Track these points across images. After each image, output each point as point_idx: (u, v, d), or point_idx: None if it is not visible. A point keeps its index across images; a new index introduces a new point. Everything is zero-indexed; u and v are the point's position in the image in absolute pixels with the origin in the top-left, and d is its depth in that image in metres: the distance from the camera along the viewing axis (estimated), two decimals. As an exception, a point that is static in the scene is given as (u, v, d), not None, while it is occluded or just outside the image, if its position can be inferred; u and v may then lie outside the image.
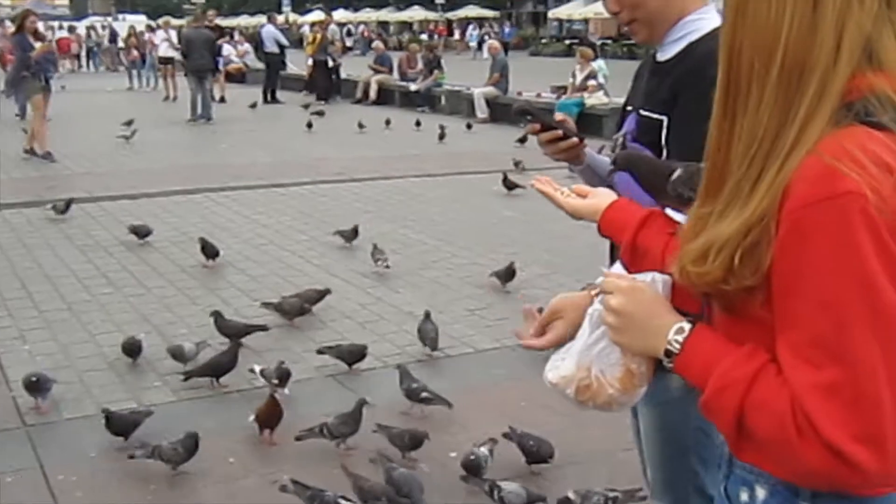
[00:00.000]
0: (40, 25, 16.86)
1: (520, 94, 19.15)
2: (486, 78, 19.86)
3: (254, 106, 21.52)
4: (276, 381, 5.05)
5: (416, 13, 61.87)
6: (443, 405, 4.90)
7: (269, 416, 4.59)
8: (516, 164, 12.24)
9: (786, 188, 1.25)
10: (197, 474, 4.27)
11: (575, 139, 2.44)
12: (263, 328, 6.00)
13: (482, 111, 19.06)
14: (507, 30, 51.52)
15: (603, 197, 1.90)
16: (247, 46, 29.75)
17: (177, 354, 5.50)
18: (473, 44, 47.70)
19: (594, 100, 16.33)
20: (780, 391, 1.27)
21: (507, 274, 7.11)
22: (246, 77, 27.37)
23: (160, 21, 29.68)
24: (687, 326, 1.44)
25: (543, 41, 50.73)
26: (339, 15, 51.88)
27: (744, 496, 1.45)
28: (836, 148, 1.23)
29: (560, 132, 2.42)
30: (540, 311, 2.02)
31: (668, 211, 1.84)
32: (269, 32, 23.82)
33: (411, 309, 6.59)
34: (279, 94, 23.18)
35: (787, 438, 1.26)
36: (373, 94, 23.09)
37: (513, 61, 21.93)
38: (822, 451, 1.23)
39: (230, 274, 7.78)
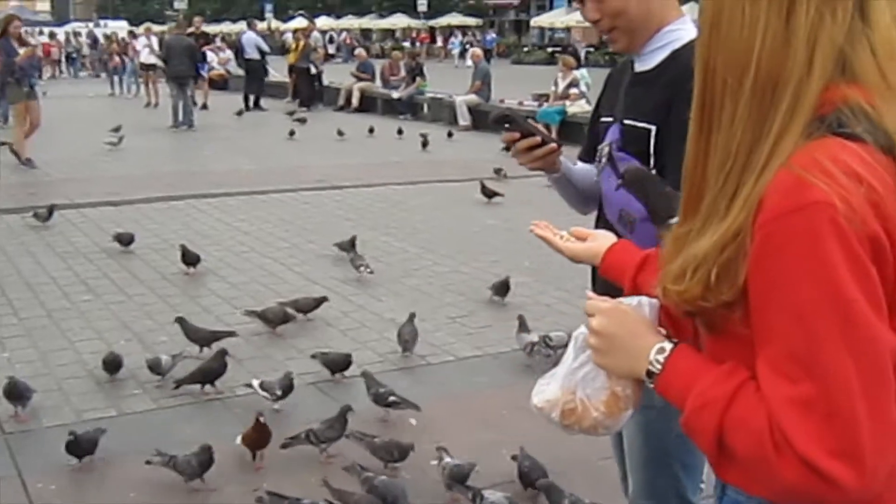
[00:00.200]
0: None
1: (502, 101, 19.21)
2: (469, 86, 19.90)
3: (240, 113, 21.50)
4: (279, 394, 5.00)
5: (398, 20, 61.90)
6: (411, 409, 4.90)
7: (258, 439, 4.47)
8: (497, 171, 12.30)
9: (759, 202, 1.24)
10: (177, 483, 4.25)
11: (553, 144, 2.44)
12: (232, 334, 5.96)
13: (464, 119, 19.09)
14: (488, 38, 51.54)
15: (601, 240, 1.90)
16: (228, 53, 29.67)
17: (153, 366, 5.43)
18: (456, 51, 47.76)
19: (576, 108, 16.36)
20: (758, 408, 1.26)
21: (503, 288, 7.04)
22: (228, 84, 27.31)
23: (142, 27, 29.60)
24: (668, 346, 1.44)
25: (526, 49, 50.84)
26: (322, 22, 51.79)
27: None
28: (806, 159, 1.23)
29: (539, 138, 2.41)
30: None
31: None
32: (250, 39, 23.76)
33: (393, 316, 6.59)
34: (262, 102, 23.14)
35: (764, 455, 1.25)
36: (355, 101, 23.09)
37: (495, 69, 22.00)
38: (799, 468, 1.21)
39: (211, 281, 7.76)
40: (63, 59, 40.29)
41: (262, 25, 34.53)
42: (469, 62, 25.04)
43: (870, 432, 1.21)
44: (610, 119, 2.54)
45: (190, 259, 7.91)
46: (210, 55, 26.61)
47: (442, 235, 9.48)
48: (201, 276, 7.87)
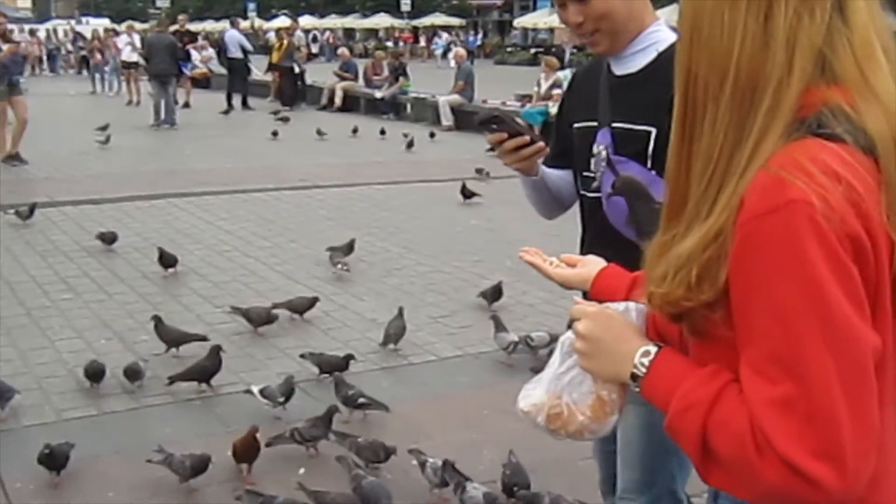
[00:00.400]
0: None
1: (485, 102, 19.21)
2: (452, 86, 19.90)
3: (227, 112, 21.45)
4: (281, 401, 4.95)
5: (381, 20, 61.80)
6: (380, 409, 4.90)
7: (247, 451, 4.34)
8: (479, 171, 12.33)
9: (740, 202, 1.24)
10: (157, 482, 4.23)
11: (541, 144, 2.43)
12: (203, 338, 5.91)
13: (447, 119, 19.08)
14: (470, 38, 51.54)
15: (591, 265, 1.90)
16: (211, 51, 29.54)
17: (131, 374, 5.34)
18: (439, 51, 47.74)
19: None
20: (739, 410, 1.26)
21: (494, 293, 6.96)
22: (211, 82, 27.21)
23: (123, 25, 29.44)
24: (653, 350, 1.44)
25: (509, 50, 50.89)
26: (305, 21, 51.73)
27: None
28: (785, 159, 1.23)
29: (527, 138, 2.40)
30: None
31: None
32: (233, 37, 23.62)
33: (374, 316, 6.59)
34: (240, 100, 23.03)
35: (747, 458, 1.24)
36: (338, 100, 23.05)
37: (478, 69, 21.99)
38: (780, 469, 1.20)
39: (192, 280, 7.73)
40: (44, 56, 40.05)
41: (244, 24, 34.42)
42: (452, 62, 25.04)
43: (851, 433, 1.20)
44: (593, 124, 2.51)
45: (167, 261, 7.83)
46: (193, 53, 26.51)
47: (424, 235, 9.48)
48: (182, 275, 7.83)
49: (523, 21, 53.20)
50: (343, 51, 27.27)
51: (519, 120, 2.52)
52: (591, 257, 1.95)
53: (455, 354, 6.04)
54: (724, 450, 1.28)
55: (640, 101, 2.37)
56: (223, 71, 25.02)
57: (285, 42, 23.96)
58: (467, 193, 11.02)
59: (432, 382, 5.64)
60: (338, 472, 4.17)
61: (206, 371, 5.31)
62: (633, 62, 2.42)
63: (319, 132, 17.11)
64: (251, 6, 57.06)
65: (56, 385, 5.42)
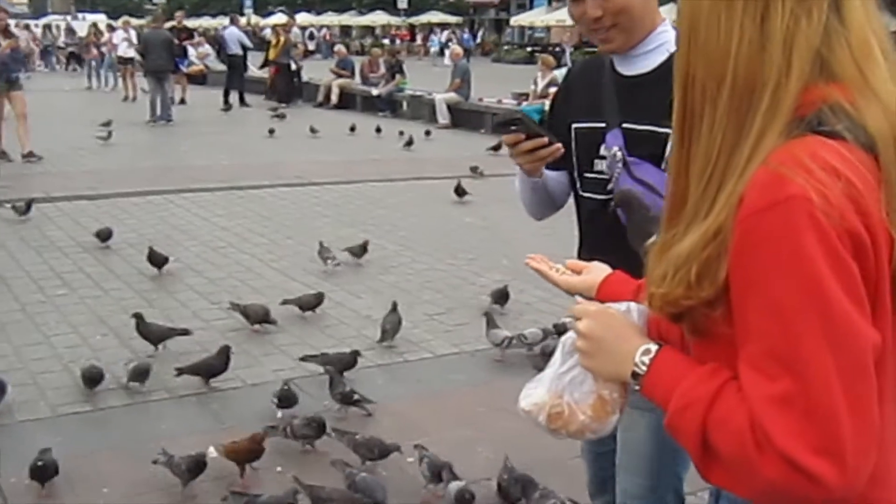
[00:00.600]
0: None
1: (481, 100, 19.22)
2: (448, 83, 19.90)
3: (228, 109, 21.43)
4: (276, 402, 4.93)
5: (378, 17, 61.76)
6: (368, 404, 4.95)
7: (249, 453, 4.27)
8: (473, 169, 12.35)
9: (739, 200, 1.24)
10: (152, 478, 4.23)
11: (558, 144, 2.38)
12: (186, 332, 5.92)
13: (443, 117, 19.08)
14: (465, 36, 51.44)
15: (597, 272, 1.89)
16: (207, 48, 29.50)
17: (139, 373, 5.29)
18: (435, 49, 47.69)
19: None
20: (739, 407, 1.25)
21: (502, 296, 6.85)
22: (207, 78, 27.17)
23: (120, 21, 29.38)
24: (654, 348, 1.44)
25: (506, 48, 50.87)
26: (302, 18, 51.64)
27: None
28: (785, 156, 1.23)
29: (546, 139, 2.35)
30: None
31: None
32: (233, 34, 23.57)
33: (370, 313, 6.59)
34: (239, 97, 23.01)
35: (747, 455, 1.24)
36: (334, 97, 23.01)
37: (475, 67, 21.98)
38: (780, 465, 1.20)
39: (188, 276, 7.72)
40: (38, 52, 39.93)
41: (241, 21, 34.33)
42: (448, 60, 25.02)
43: (851, 429, 1.20)
44: (599, 125, 2.48)
45: (156, 261, 7.72)
46: (189, 50, 26.47)
47: (420, 233, 9.48)
48: (178, 272, 7.82)
49: (520, 19, 53.20)
50: (339, 48, 27.27)
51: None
52: (596, 264, 1.94)
53: (451, 352, 6.04)
54: (724, 447, 1.28)
55: (655, 101, 2.33)
56: (219, 67, 24.96)
57: (282, 39, 23.91)
58: (460, 192, 11.03)
59: (428, 380, 5.64)
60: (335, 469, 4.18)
61: (212, 369, 5.30)
62: (643, 62, 2.40)
63: (312, 129, 17.08)
64: (247, 3, 56.93)
65: (51, 381, 5.41)
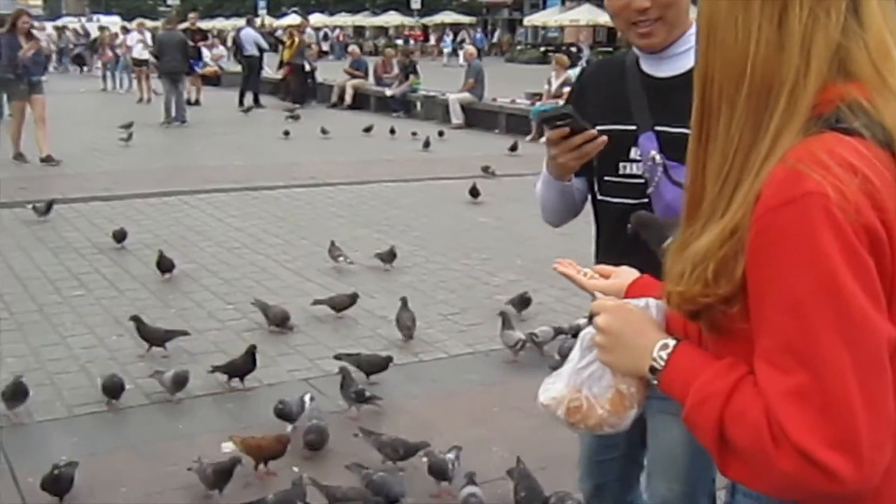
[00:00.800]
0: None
1: (494, 100, 19.23)
2: (462, 84, 19.90)
3: (248, 110, 21.49)
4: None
5: (392, 18, 61.79)
6: (378, 400, 4.99)
7: (272, 451, 4.28)
8: (485, 169, 12.38)
9: (756, 197, 1.25)
10: (170, 478, 4.25)
11: (604, 138, 2.28)
12: (184, 333, 5.94)
13: (457, 117, 19.09)
14: (477, 36, 51.38)
15: (625, 276, 1.88)
16: (221, 49, 29.57)
17: (178, 381, 5.22)
18: (448, 49, 47.67)
19: (569, 107, 16.37)
20: (755, 401, 1.26)
21: (522, 302, 6.76)
22: (221, 80, 27.24)
23: (134, 22, 29.47)
24: (672, 343, 1.45)
25: (519, 48, 50.83)
26: (315, 19, 51.75)
27: None
28: (802, 152, 1.24)
29: (594, 132, 2.26)
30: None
31: None
32: (249, 35, 23.58)
33: (385, 313, 6.60)
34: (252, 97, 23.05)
35: (763, 448, 1.24)
36: (348, 98, 23.05)
37: (488, 67, 21.96)
38: (796, 459, 1.21)
39: (203, 277, 7.75)
40: (53, 54, 40.09)
41: (256, 22, 34.41)
42: (462, 60, 25.03)
43: (866, 423, 1.20)
44: (629, 128, 2.42)
45: (164, 266, 7.65)
46: (204, 51, 26.54)
47: (434, 233, 9.49)
48: (194, 272, 7.85)
49: (533, 19, 53.12)
50: (353, 48, 27.29)
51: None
52: (624, 268, 1.92)
53: (465, 352, 6.05)
54: (741, 441, 1.29)
55: (690, 104, 2.31)
56: (234, 68, 25.00)
57: (296, 40, 23.95)
58: (475, 193, 11.05)
59: (442, 379, 5.65)
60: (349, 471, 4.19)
61: (240, 369, 5.33)
62: (676, 63, 2.36)
63: (324, 130, 17.08)
64: (261, 4, 57.03)
65: (68, 381, 5.44)
